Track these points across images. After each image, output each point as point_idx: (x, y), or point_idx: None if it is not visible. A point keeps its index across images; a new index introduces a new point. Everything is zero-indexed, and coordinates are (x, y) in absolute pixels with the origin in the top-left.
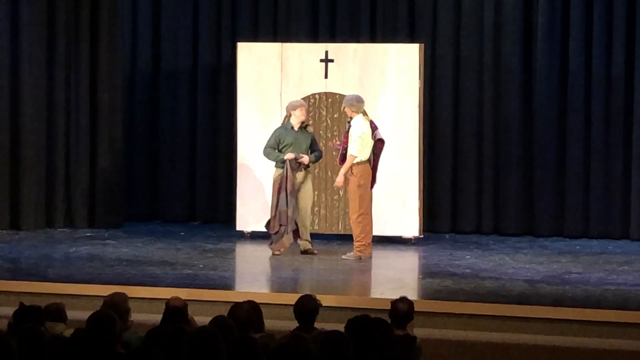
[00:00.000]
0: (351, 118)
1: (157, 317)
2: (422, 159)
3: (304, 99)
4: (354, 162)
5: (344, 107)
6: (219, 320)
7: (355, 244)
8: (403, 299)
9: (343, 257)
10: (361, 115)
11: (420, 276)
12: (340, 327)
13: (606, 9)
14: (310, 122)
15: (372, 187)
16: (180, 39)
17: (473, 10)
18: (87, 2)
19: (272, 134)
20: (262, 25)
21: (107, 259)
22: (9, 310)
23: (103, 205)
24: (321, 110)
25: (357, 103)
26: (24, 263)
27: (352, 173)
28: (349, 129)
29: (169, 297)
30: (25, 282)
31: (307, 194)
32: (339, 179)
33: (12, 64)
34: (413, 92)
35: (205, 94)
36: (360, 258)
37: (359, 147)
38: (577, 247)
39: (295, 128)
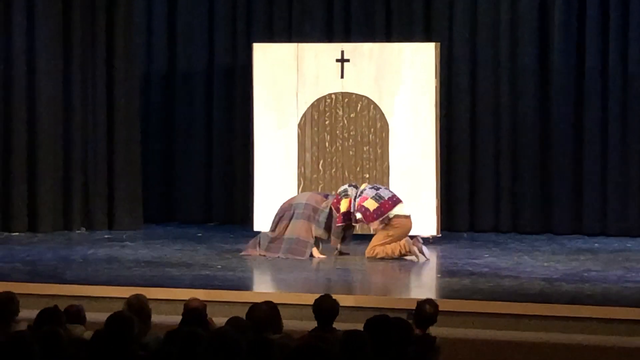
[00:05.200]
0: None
1: (176, 319)
2: (439, 158)
3: (320, 99)
4: None
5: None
6: (235, 321)
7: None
8: (430, 301)
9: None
10: None
11: (439, 275)
12: (359, 327)
13: (622, 8)
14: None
15: None
16: (195, 40)
17: (489, 9)
18: (102, 4)
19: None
20: (278, 26)
21: (126, 260)
22: (28, 313)
23: (121, 207)
24: (337, 111)
25: None
26: (42, 265)
27: None
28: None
29: (187, 298)
30: (44, 284)
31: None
32: None
33: (29, 68)
34: (429, 92)
35: (221, 95)
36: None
37: None
38: (596, 245)
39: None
